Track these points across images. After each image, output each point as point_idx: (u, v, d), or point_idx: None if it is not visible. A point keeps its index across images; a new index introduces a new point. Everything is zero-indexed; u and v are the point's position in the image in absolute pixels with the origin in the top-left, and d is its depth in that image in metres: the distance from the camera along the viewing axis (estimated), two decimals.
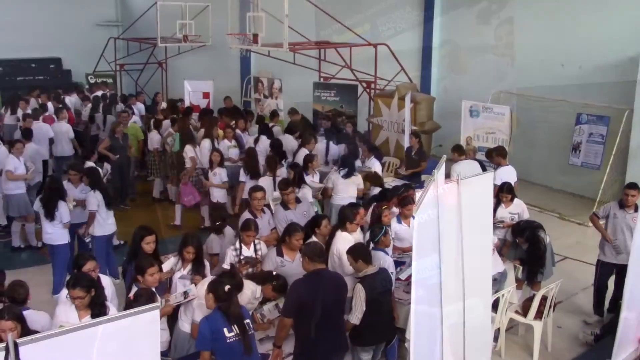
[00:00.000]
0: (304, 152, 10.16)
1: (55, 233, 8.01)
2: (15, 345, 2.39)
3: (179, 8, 18.86)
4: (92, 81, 19.83)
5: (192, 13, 18.72)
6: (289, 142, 11.13)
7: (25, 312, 4.87)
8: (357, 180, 9.25)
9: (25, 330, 4.56)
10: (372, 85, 14.94)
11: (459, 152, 10.26)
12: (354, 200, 9.06)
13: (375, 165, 10.09)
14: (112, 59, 20.93)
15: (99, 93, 16.99)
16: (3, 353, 2.39)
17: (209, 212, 10.10)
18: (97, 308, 5.05)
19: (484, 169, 9.95)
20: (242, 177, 9.63)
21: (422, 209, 3.63)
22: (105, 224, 8.34)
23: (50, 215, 7.89)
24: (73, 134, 13.04)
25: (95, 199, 8.17)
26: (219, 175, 9.95)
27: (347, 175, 9.16)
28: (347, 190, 9.08)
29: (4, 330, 4.47)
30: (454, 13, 15.21)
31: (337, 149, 11.17)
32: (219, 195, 9.99)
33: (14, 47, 20.54)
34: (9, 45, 20.34)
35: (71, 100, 16.35)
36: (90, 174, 8.61)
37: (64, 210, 7.94)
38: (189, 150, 10.75)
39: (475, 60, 14.64)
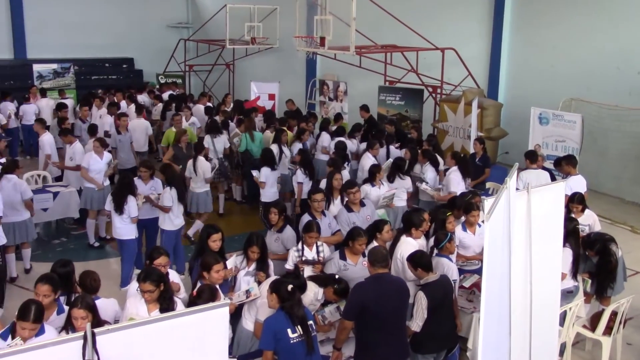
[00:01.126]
0: (368, 157, 10.13)
1: (124, 228, 8.26)
2: (93, 335, 2.48)
3: (247, 11, 19.18)
4: (162, 81, 20.37)
5: (261, 16, 18.99)
6: (348, 145, 11.18)
7: (96, 301, 5.06)
8: (406, 184, 9.22)
9: (97, 319, 4.74)
10: (438, 90, 14.79)
11: (532, 159, 9.86)
12: (404, 204, 9.10)
13: (428, 172, 9.88)
14: (181, 60, 21.53)
15: (169, 93, 17.46)
16: (81, 341, 2.49)
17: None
18: (165, 302, 5.18)
19: (553, 178, 9.66)
20: (300, 178, 9.70)
21: (492, 217, 3.56)
22: (175, 219, 8.58)
23: (120, 209, 8.16)
24: (151, 130, 13.49)
25: (170, 195, 8.41)
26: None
27: (390, 179, 9.14)
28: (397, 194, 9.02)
29: (76, 319, 4.66)
30: (524, 17, 14.89)
31: (398, 154, 11.09)
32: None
33: (90, 48, 21.41)
34: (85, 46, 21.22)
35: (143, 99, 16.83)
36: (166, 170, 8.84)
37: (132, 205, 8.19)
38: None
39: (544, 67, 14.29)
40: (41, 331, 4.56)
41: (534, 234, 4.22)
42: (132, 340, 2.65)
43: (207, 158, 10.54)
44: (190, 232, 10.08)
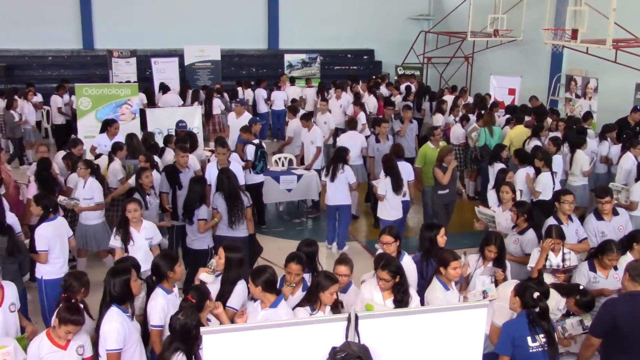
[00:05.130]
0: (629, 157, 9.39)
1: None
2: (356, 318, 2.57)
3: (492, 2, 18.63)
4: (400, 72, 20.69)
5: (506, 7, 18.30)
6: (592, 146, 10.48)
7: None
8: None
9: None
10: None
11: None
12: None
13: None
14: (420, 52, 21.63)
15: (405, 85, 17.67)
16: (345, 322, 2.61)
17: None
18: (399, 294, 5.24)
19: None
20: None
21: None
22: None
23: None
24: None
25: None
26: None
27: None
28: None
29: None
30: None
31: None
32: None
33: (334, 39, 22.46)
34: (330, 37, 22.31)
35: (382, 90, 17.26)
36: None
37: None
38: None
39: None
40: (274, 304, 4.90)
41: None
42: (393, 327, 2.70)
43: None
44: None
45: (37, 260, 6.56)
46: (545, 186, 8.80)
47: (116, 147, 9.37)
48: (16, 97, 14.40)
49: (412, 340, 2.81)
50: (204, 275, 5.46)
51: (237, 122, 11.84)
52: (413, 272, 6.05)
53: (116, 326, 4.69)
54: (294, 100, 15.35)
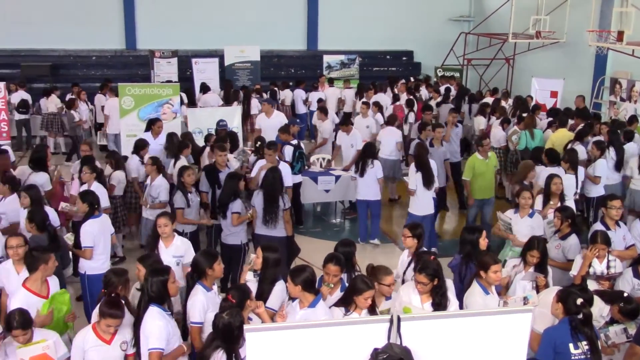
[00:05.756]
0: None
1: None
2: (399, 319, 2.57)
3: (534, 3, 18.34)
4: (439, 74, 20.53)
5: (549, 8, 18.00)
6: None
7: None
8: None
9: None
10: None
11: None
12: None
13: None
14: (460, 54, 21.43)
15: (445, 86, 17.51)
16: (387, 324, 2.61)
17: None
18: (438, 297, 5.21)
19: None
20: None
21: None
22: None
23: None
24: None
25: None
26: None
27: None
28: None
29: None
30: None
31: None
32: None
33: (373, 40, 22.41)
34: (369, 38, 22.26)
35: (423, 92, 17.14)
36: None
37: None
38: None
39: None
40: (312, 304, 4.89)
41: None
42: (435, 329, 2.69)
43: None
44: None
45: (82, 256, 6.68)
46: (568, 188, 8.58)
47: (140, 146, 9.62)
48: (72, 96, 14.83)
49: (453, 343, 2.79)
50: (249, 275, 5.52)
51: (268, 122, 11.82)
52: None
53: (159, 325, 4.70)
54: (319, 101, 15.33)
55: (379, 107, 13.89)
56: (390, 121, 11.95)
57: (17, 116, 15.14)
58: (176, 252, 6.34)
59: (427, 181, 8.89)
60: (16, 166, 9.65)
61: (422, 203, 9.00)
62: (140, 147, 9.63)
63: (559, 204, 7.65)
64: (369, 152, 9.75)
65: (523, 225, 7.28)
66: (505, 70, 21.09)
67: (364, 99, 14.95)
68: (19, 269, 5.77)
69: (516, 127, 11.88)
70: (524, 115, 12.19)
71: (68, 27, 19.87)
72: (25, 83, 16.30)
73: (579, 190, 9.06)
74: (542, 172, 8.93)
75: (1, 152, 9.22)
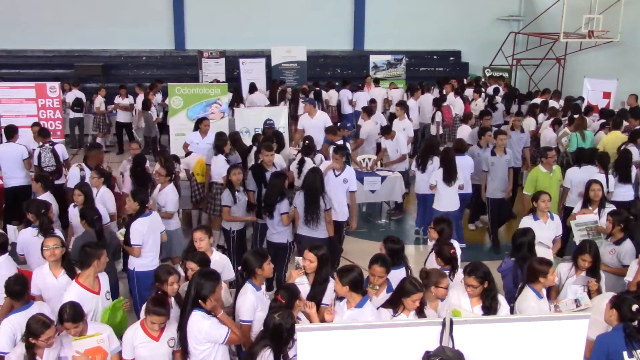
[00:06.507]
0: None
1: None
2: (451, 323, 2.55)
3: (587, 2, 17.92)
4: (488, 74, 20.23)
5: (602, 6, 17.57)
6: None
7: None
8: None
9: None
10: None
11: None
12: None
13: None
14: (509, 53, 21.09)
15: (493, 87, 17.26)
16: (440, 327, 2.59)
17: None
18: (488, 300, 5.14)
19: None
20: None
21: None
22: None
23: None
24: None
25: None
26: None
27: None
28: None
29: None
30: None
31: None
32: None
33: (420, 40, 22.23)
34: (416, 38, 22.11)
35: (469, 93, 16.93)
36: None
37: None
38: None
39: None
40: (360, 304, 4.89)
41: None
42: (487, 334, 2.66)
43: None
44: None
45: (131, 253, 6.81)
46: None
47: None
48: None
49: (506, 349, 2.75)
50: (300, 279, 5.54)
51: (311, 122, 11.67)
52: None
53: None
54: (372, 101, 15.28)
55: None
56: (465, 119, 12.68)
57: (72, 114, 15.56)
58: (214, 267, 5.82)
59: (448, 177, 9.01)
60: (70, 163, 9.92)
61: (444, 199, 9.09)
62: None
63: (595, 210, 7.56)
64: (430, 148, 9.92)
65: (547, 230, 7.16)
66: (555, 70, 20.66)
67: (400, 100, 14.87)
68: (56, 273, 5.69)
69: (567, 129, 11.63)
70: (575, 116, 11.93)
71: (119, 28, 20.35)
72: (79, 83, 16.75)
73: (611, 189, 8.81)
74: (574, 174, 8.94)
75: (96, 146, 9.50)
